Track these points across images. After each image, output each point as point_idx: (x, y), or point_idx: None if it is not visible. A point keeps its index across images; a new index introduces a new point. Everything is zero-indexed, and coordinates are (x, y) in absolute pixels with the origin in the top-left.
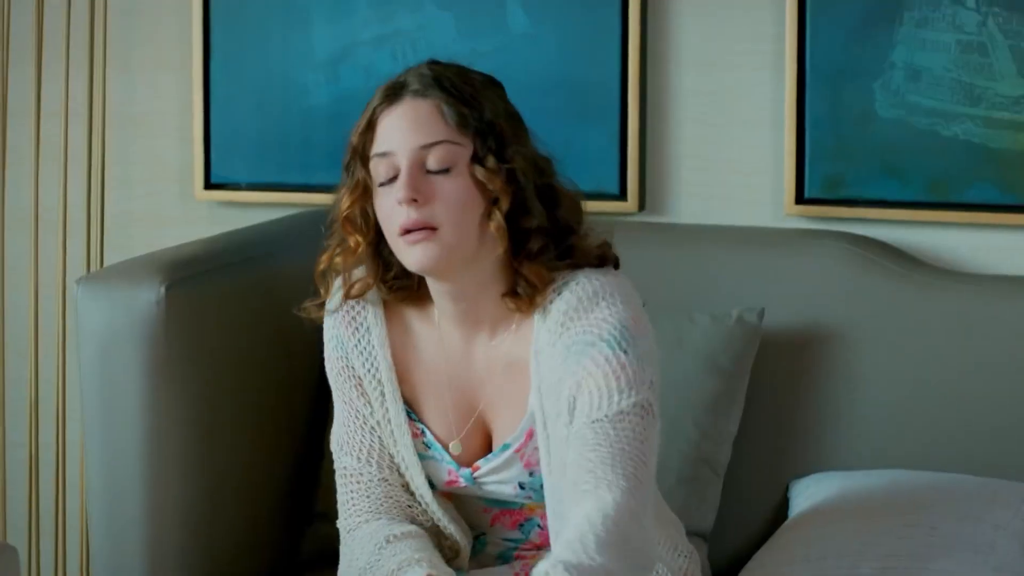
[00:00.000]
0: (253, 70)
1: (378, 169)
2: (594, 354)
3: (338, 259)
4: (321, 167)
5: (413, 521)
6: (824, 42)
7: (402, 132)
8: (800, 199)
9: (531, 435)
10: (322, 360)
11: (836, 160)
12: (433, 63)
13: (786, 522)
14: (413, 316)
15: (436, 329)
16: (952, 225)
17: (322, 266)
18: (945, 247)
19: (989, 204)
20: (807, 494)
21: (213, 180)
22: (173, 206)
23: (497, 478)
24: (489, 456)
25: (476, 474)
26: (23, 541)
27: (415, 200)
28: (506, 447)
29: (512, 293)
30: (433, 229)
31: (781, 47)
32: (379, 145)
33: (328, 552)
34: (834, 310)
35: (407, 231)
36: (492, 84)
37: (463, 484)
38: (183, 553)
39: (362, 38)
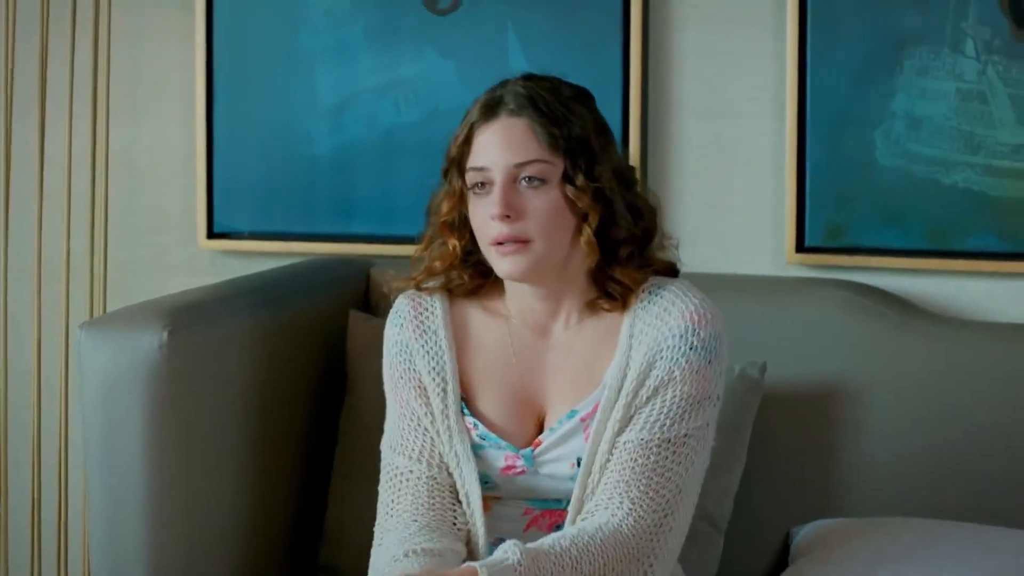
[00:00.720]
0: (256, 119)
1: (473, 179)
2: (686, 361)
3: (438, 263)
4: (324, 216)
5: (452, 526)
6: (825, 90)
7: (497, 149)
8: (801, 247)
9: (597, 408)
10: (328, 405)
11: (837, 208)
12: (528, 78)
13: (786, 570)
14: (477, 312)
15: (503, 322)
16: (953, 273)
17: (416, 254)
18: (946, 295)
19: (989, 252)
20: (808, 541)
21: (216, 229)
22: (176, 255)
23: (556, 453)
24: (554, 426)
25: (537, 450)
26: None
27: (508, 216)
28: (572, 414)
29: (604, 296)
30: (525, 242)
31: (782, 95)
32: (475, 159)
33: None
34: (835, 358)
35: (500, 243)
36: (583, 97)
37: (520, 467)
38: None
39: (365, 87)
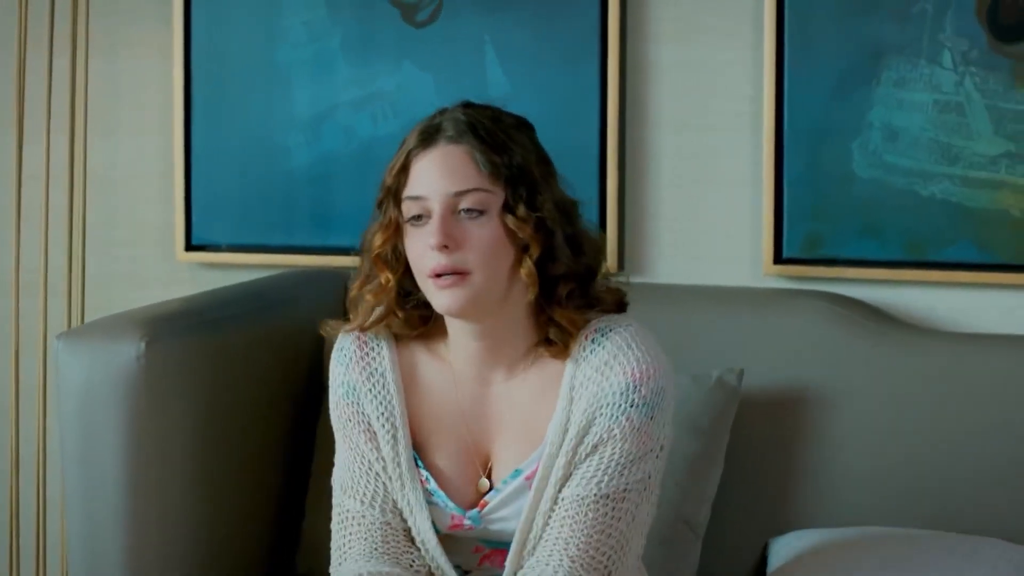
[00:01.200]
0: (234, 132)
1: (410, 210)
2: (626, 419)
3: (369, 296)
4: (302, 228)
5: (409, 567)
6: (802, 103)
7: (435, 178)
8: (779, 259)
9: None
10: (305, 416)
11: (814, 220)
12: (467, 106)
13: None
14: (423, 355)
15: (447, 367)
16: (930, 284)
17: (353, 293)
18: (923, 306)
19: (967, 263)
20: (785, 552)
21: (194, 241)
22: (154, 267)
23: (505, 512)
24: (499, 486)
25: (484, 511)
26: None
27: (446, 246)
28: (517, 473)
29: (545, 340)
30: (464, 274)
31: (759, 108)
32: (412, 188)
33: None
34: (812, 369)
35: (438, 275)
36: (524, 127)
37: (468, 526)
38: None
39: (342, 99)
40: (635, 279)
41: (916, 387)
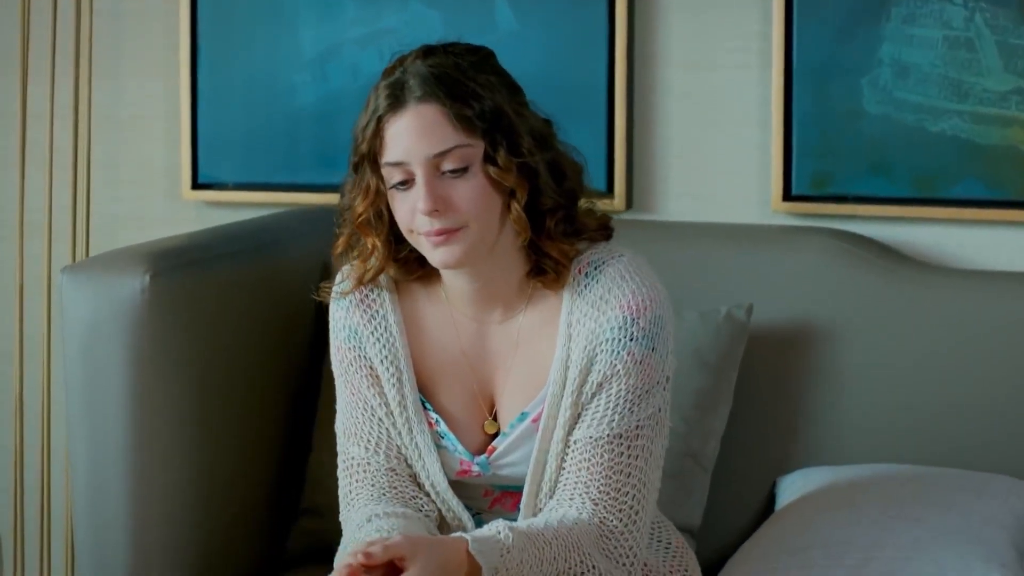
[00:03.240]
0: (240, 70)
1: (392, 175)
2: (627, 353)
3: (359, 262)
4: (308, 166)
5: (418, 511)
6: (811, 39)
7: (413, 142)
8: (787, 196)
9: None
10: (310, 352)
11: (823, 157)
12: (428, 55)
13: (772, 515)
14: (422, 296)
15: (447, 309)
16: (939, 221)
17: (339, 250)
18: (932, 243)
19: (976, 200)
20: (794, 489)
21: (200, 180)
22: (160, 207)
23: (513, 458)
24: (506, 431)
25: (492, 456)
26: (8, 535)
27: (437, 210)
28: (523, 416)
29: (537, 271)
30: (457, 229)
31: (768, 45)
32: (390, 154)
33: (314, 548)
34: (821, 306)
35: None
36: (485, 61)
37: (476, 472)
38: (167, 547)
39: (349, 37)
40: (644, 216)
41: (924, 324)
